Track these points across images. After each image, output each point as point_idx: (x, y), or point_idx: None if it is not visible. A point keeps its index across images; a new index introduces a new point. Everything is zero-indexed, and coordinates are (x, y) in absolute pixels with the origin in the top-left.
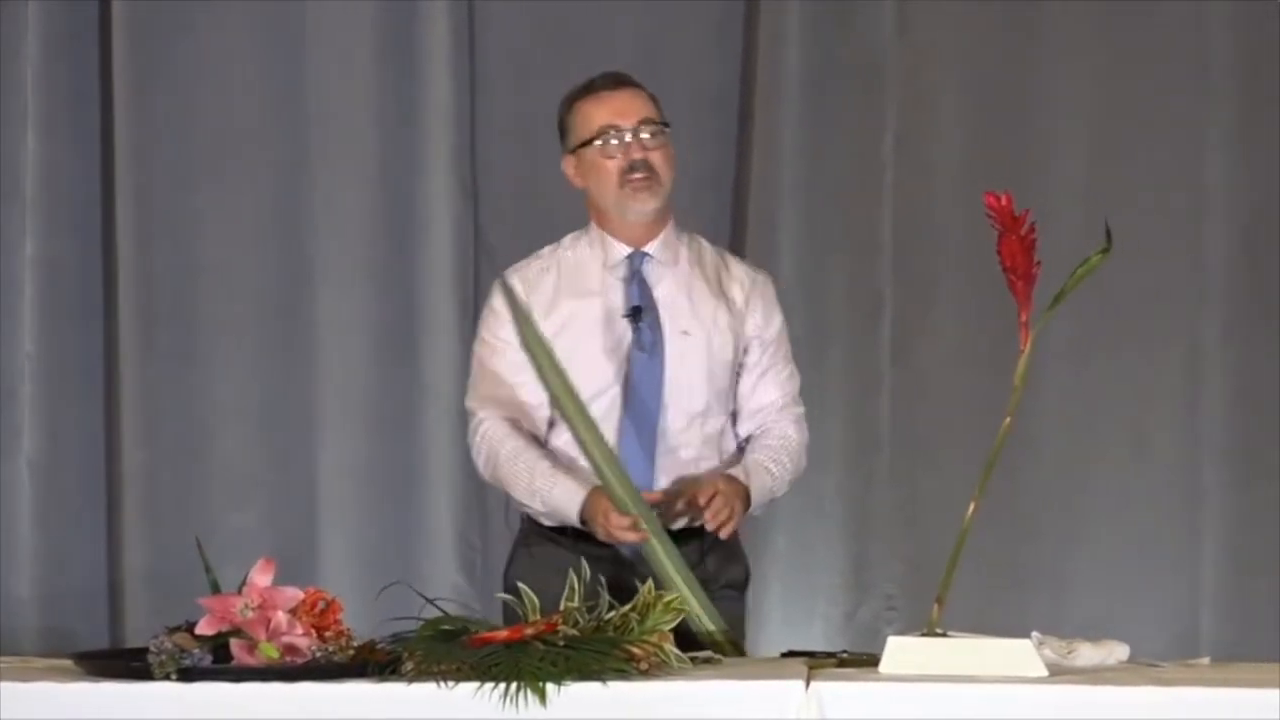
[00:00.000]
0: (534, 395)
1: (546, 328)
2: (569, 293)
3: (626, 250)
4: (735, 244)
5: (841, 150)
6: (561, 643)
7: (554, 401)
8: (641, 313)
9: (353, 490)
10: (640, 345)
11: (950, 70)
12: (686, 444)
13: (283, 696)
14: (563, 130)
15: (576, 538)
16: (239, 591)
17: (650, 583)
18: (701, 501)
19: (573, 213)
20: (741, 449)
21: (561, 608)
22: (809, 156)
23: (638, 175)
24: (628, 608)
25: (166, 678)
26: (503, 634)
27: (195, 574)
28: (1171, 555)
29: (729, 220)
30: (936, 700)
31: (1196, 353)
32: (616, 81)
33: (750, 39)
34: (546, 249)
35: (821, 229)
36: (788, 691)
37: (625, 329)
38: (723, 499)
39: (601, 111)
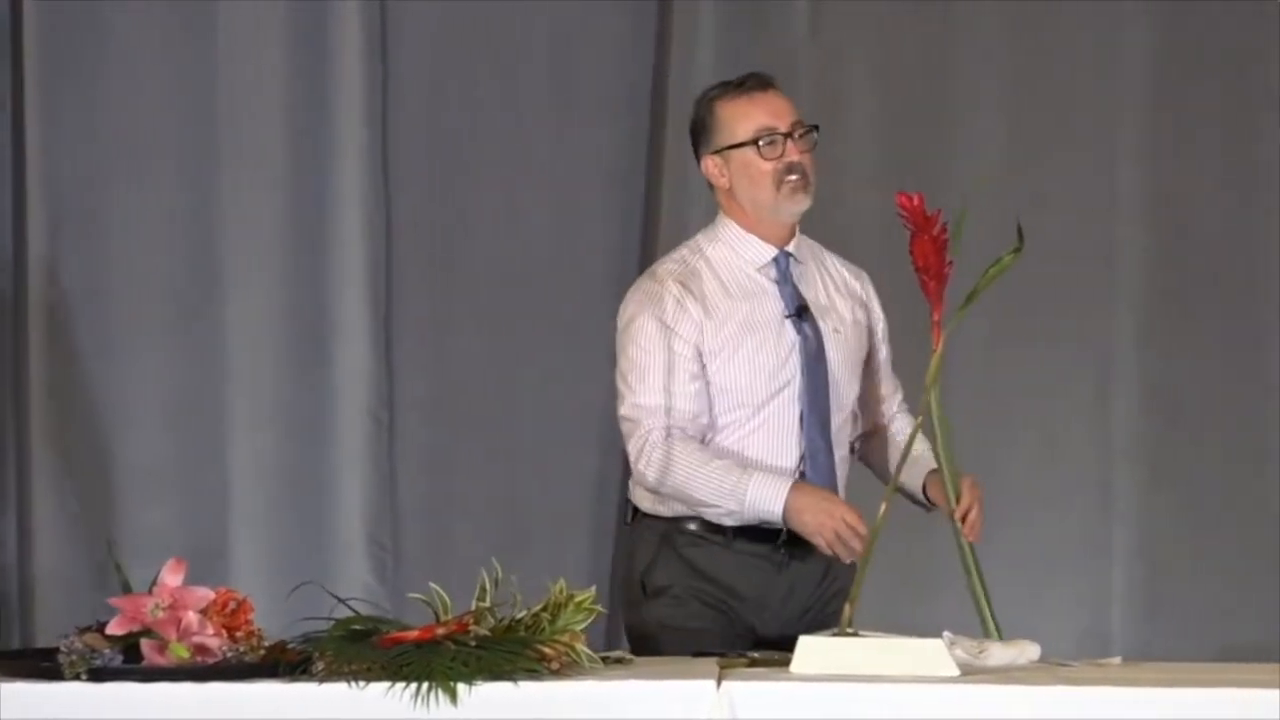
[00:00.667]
0: (695, 403)
1: (713, 335)
2: (729, 294)
3: (773, 251)
4: (647, 243)
5: None
6: (473, 643)
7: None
8: (805, 312)
9: (264, 491)
10: (807, 345)
11: (863, 70)
12: (845, 440)
13: (193, 696)
14: (703, 129)
15: (735, 535)
16: (150, 592)
17: (562, 583)
18: (960, 516)
19: (486, 212)
20: (864, 437)
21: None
22: None
23: (794, 177)
24: (538, 607)
25: (77, 678)
26: (413, 634)
27: (106, 574)
28: (1083, 555)
29: (640, 220)
30: (848, 700)
31: (1108, 353)
32: (764, 83)
33: (663, 39)
34: (684, 249)
35: None
36: (699, 691)
37: (789, 330)
38: (978, 509)
39: (758, 113)
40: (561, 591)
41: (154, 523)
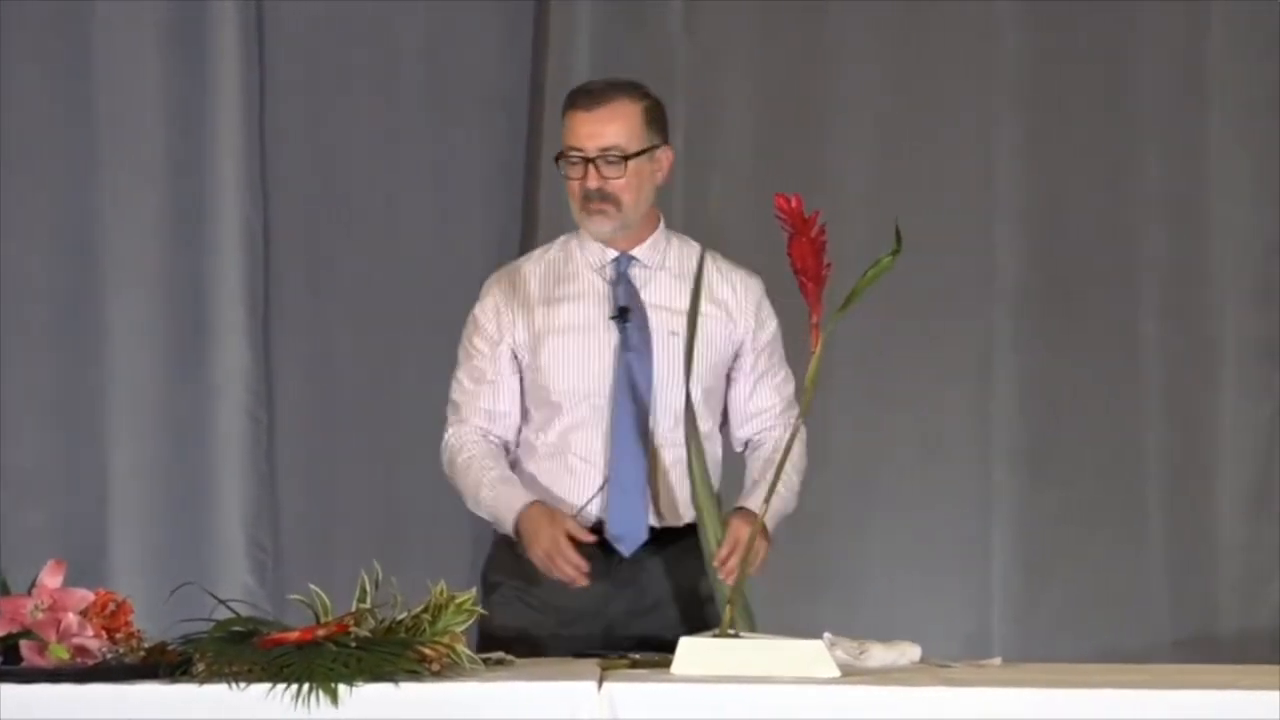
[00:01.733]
0: (504, 403)
1: (533, 330)
2: (556, 293)
3: (613, 253)
4: (525, 245)
5: None
6: (353, 644)
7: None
8: (628, 313)
9: (143, 492)
10: (628, 346)
11: (738, 70)
12: (675, 443)
13: (73, 698)
14: None
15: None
16: (29, 593)
17: (442, 585)
18: (718, 562)
19: (364, 213)
20: (740, 453)
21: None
22: None
23: (593, 202)
24: (419, 608)
25: None
26: (294, 635)
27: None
28: (962, 556)
29: (519, 220)
30: (728, 700)
31: (987, 355)
32: (595, 98)
33: (540, 38)
34: (539, 249)
35: None
36: (580, 692)
37: (613, 331)
38: (737, 555)
39: (570, 131)
40: (442, 593)
41: (32, 524)
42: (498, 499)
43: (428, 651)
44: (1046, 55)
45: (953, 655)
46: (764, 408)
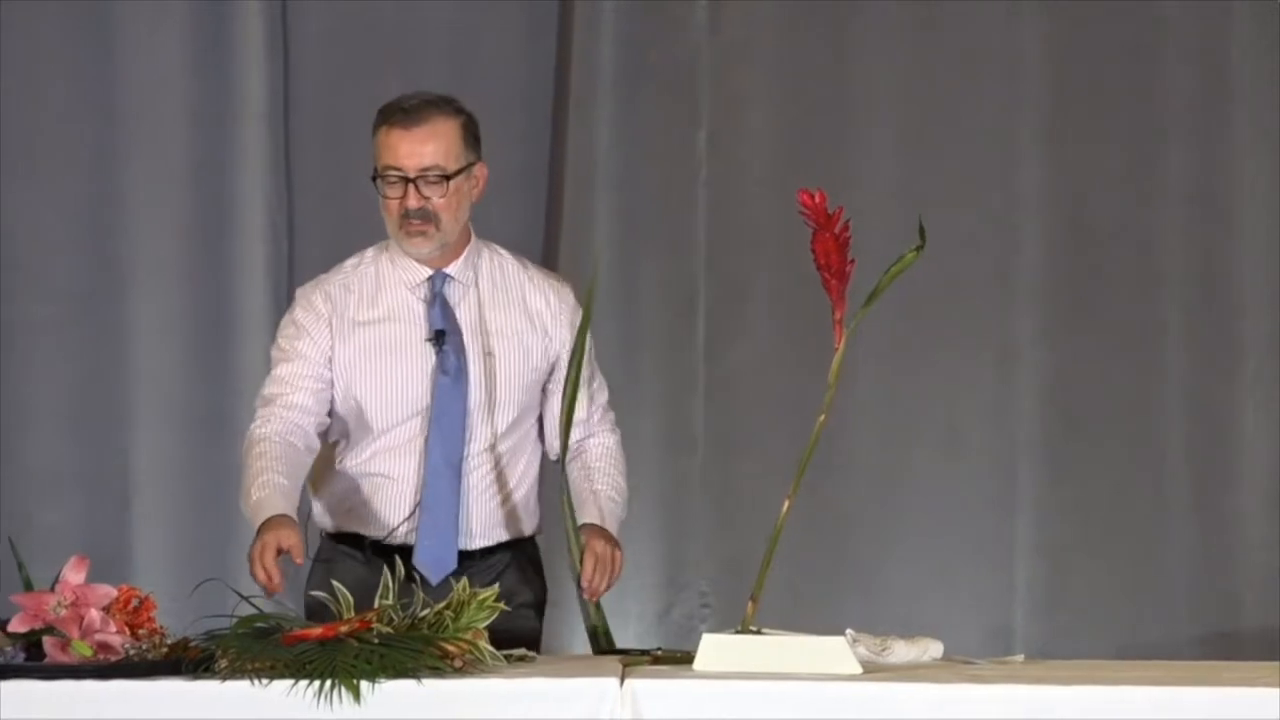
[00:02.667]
0: (314, 402)
1: (348, 349)
2: (372, 314)
3: (427, 272)
4: (549, 244)
5: (654, 150)
6: (376, 640)
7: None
8: (444, 336)
9: (166, 488)
10: (444, 369)
11: (763, 69)
12: (489, 463)
13: (96, 694)
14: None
15: (375, 552)
16: (52, 589)
17: (465, 581)
18: (584, 581)
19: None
20: (557, 461)
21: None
22: (622, 156)
23: (413, 221)
24: (442, 605)
25: None
26: (317, 631)
27: (8, 571)
28: (985, 553)
29: (543, 220)
30: (751, 697)
31: (1010, 351)
32: (414, 117)
33: (563, 38)
34: (350, 262)
35: (635, 229)
36: (602, 689)
37: (428, 353)
38: (601, 570)
39: (388, 150)
40: (464, 590)
41: (56, 520)
42: (260, 502)
43: (450, 648)
44: (1070, 51)
45: (975, 651)
46: (581, 418)
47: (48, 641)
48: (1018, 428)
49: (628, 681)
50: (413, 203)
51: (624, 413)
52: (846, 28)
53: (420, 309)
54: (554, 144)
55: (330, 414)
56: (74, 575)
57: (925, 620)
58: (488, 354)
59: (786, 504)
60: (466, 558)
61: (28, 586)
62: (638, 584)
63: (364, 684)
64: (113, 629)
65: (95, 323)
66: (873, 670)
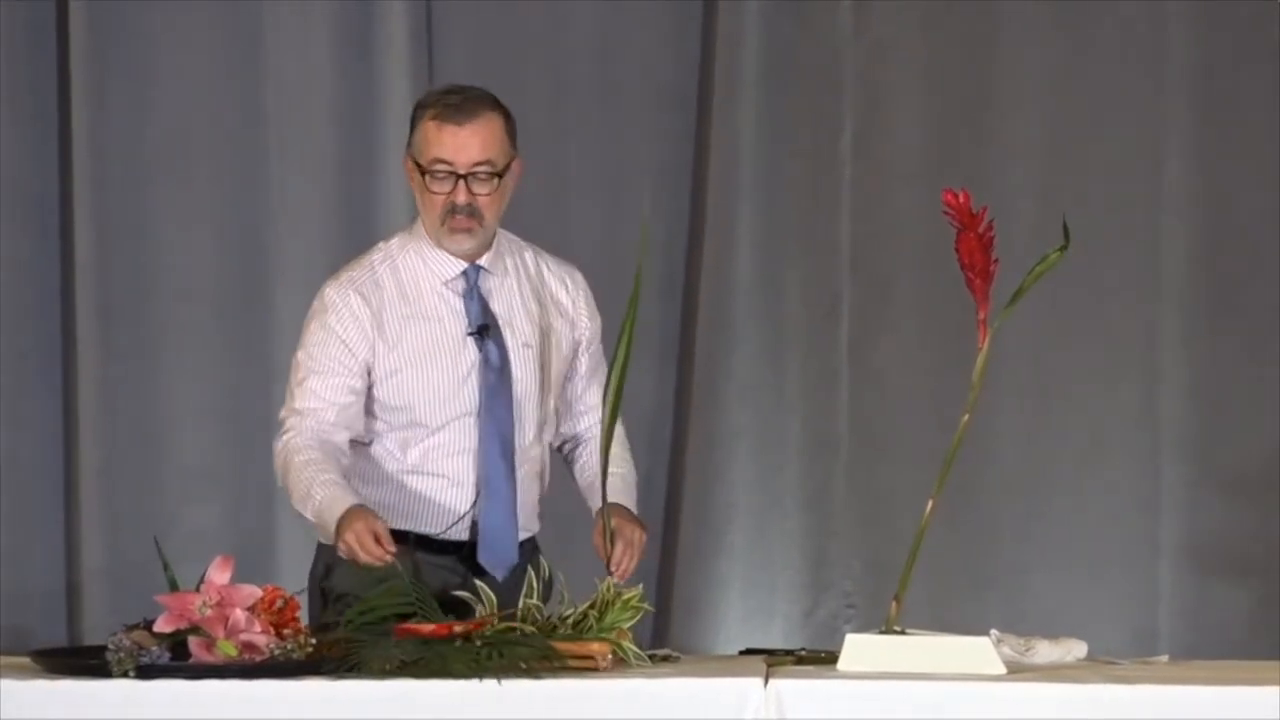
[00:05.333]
0: (348, 416)
1: (392, 352)
2: (408, 311)
3: (462, 265)
4: (693, 244)
5: (799, 150)
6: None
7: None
8: (488, 330)
9: None
10: (490, 364)
11: (907, 69)
12: (536, 455)
13: (241, 694)
14: (411, 128)
15: (422, 547)
16: (197, 589)
17: (609, 581)
18: (613, 564)
19: (531, 209)
20: (571, 442)
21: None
22: (766, 156)
23: (457, 217)
24: (586, 605)
25: (125, 675)
26: (428, 628)
27: (153, 572)
28: (1130, 553)
29: (687, 220)
30: (895, 698)
31: (1155, 350)
32: (465, 112)
33: (707, 38)
34: (375, 256)
35: (779, 228)
36: (747, 689)
37: (471, 348)
38: (630, 553)
39: (439, 144)
40: (609, 589)
41: (201, 520)
42: (328, 500)
43: (595, 647)
44: (1215, 51)
45: (1119, 652)
46: (594, 404)
47: (193, 641)
48: (1162, 428)
49: (772, 682)
50: (461, 198)
51: (767, 412)
52: (990, 27)
53: (458, 304)
54: (698, 144)
55: (368, 415)
56: (219, 575)
57: (1069, 620)
58: (526, 345)
59: (931, 504)
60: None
61: (173, 586)
62: (783, 583)
63: (509, 682)
64: (258, 629)
65: (241, 324)
66: (1017, 671)
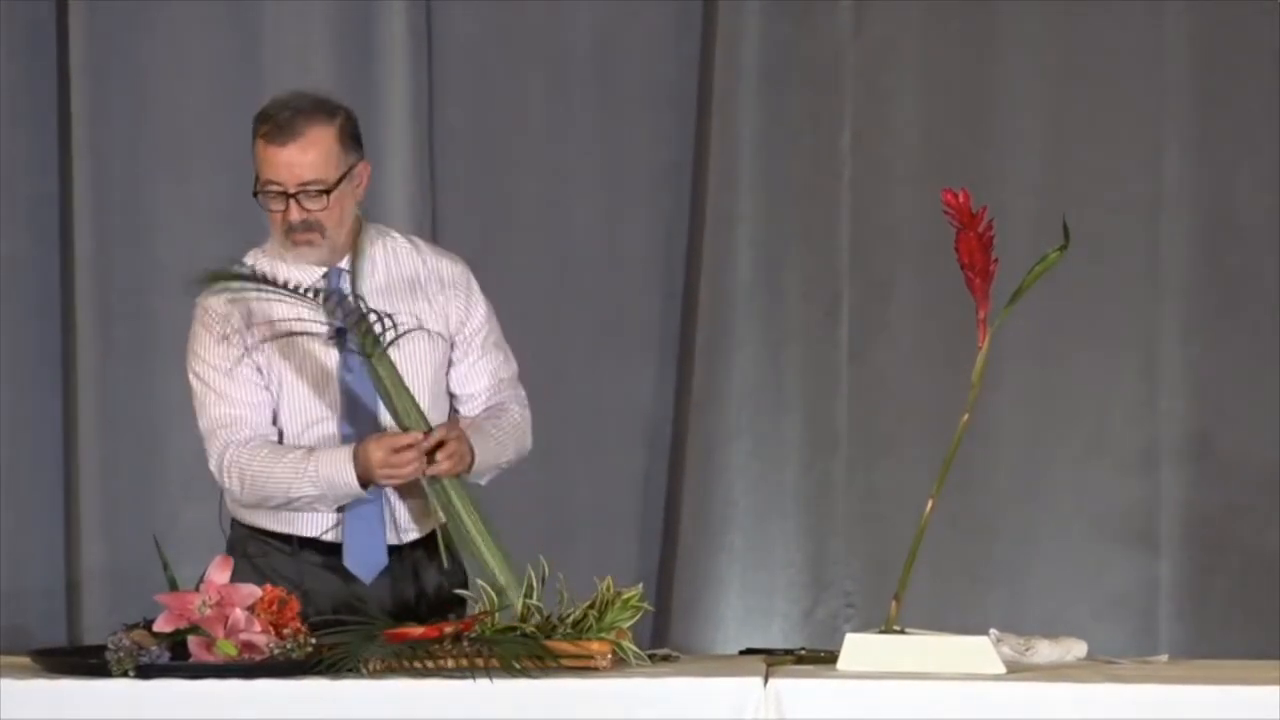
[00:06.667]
0: (263, 411)
1: (260, 350)
2: (272, 315)
3: (321, 270)
4: (693, 241)
5: (799, 148)
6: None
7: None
8: (345, 334)
9: None
10: (348, 367)
11: (907, 68)
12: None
13: (241, 694)
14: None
15: (301, 546)
16: (197, 589)
17: (609, 581)
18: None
19: (531, 210)
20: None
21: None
22: (766, 154)
23: (298, 234)
24: (586, 605)
25: (124, 675)
26: (418, 631)
27: (153, 571)
28: (1130, 552)
29: (686, 218)
30: (894, 697)
31: (1155, 349)
32: (289, 131)
33: (708, 36)
34: (244, 262)
35: (779, 227)
36: (746, 689)
37: (333, 351)
38: (454, 446)
39: (267, 165)
40: (609, 589)
41: (201, 519)
42: (325, 465)
43: (595, 646)
44: (1216, 49)
45: (1119, 652)
46: (480, 389)
47: (192, 641)
48: (1163, 425)
49: (771, 681)
50: (295, 216)
51: (767, 412)
52: (990, 27)
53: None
54: (698, 143)
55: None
56: (219, 575)
57: (1069, 620)
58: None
59: (930, 503)
60: (395, 552)
61: (173, 586)
62: (783, 582)
63: (508, 682)
64: (257, 628)
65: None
66: (1016, 670)
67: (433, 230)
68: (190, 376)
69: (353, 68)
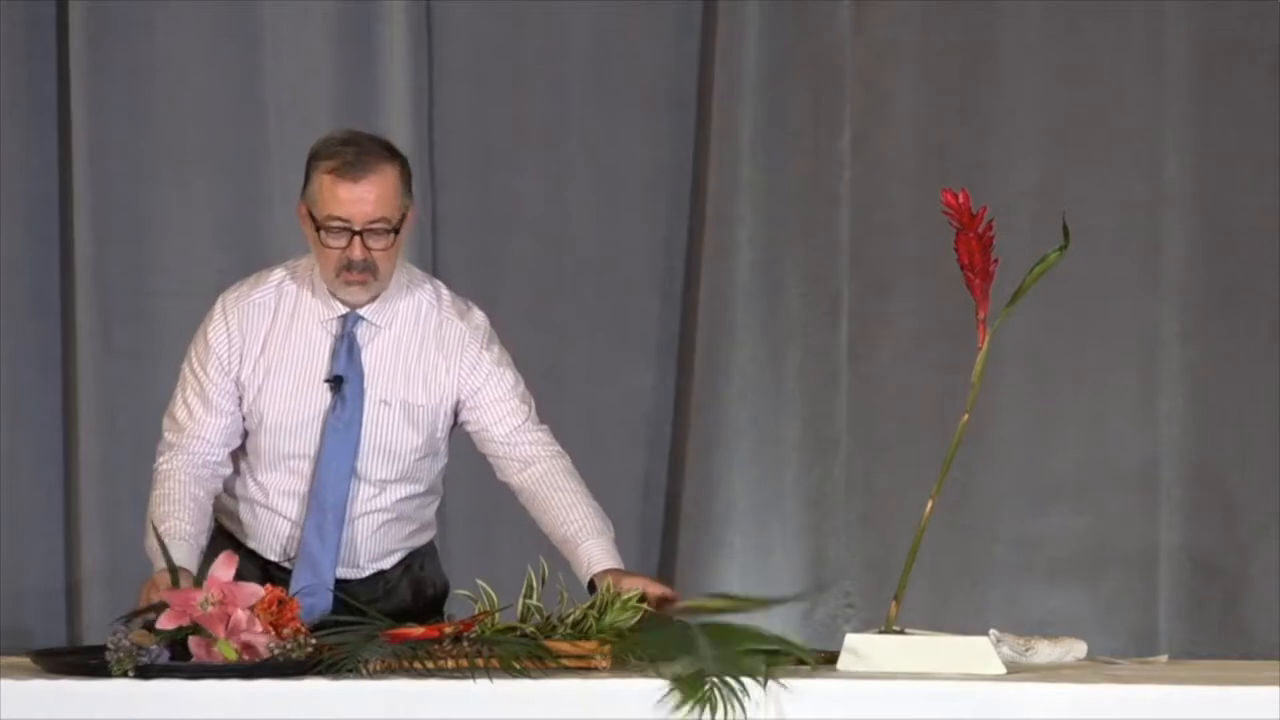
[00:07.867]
0: (226, 434)
1: (256, 378)
2: (282, 340)
3: (341, 310)
4: (693, 243)
5: (799, 149)
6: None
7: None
8: (342, 382)
9: None
10: (337, 414)
11: (907, 69)
12: (377, 509)
13: (241, 694)
14: (306, 173)
15: (267, 565)
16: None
17: (609, 582)
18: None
19: (531, 210)
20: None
21: None
22: (766, 156)
23: (351, 273)
24: (586, 605)
25: (124, 675)
26: (417, 631)
27: (153, 572)
28: (1130, 553)
29: (686, 219)
30: (894, 698)
31: (1154, 349)
32: (361, 168)
33: (708, 38)
34: (278, 273)
35: (779, 228)
36: (746, 689)
37: (325, 395)
38: (661, 590)
39: (335, 200)
40: (609, 589)
41: None
42: (155, 553)
43: (564, 647)
44: (1215, 51)
45: (1119, 652)
46: (509, 430)
47: (193, 641)
48: (1162, 425)
49: (771, 682)
50: (358, 254)
51: (767, 412)
52: (990, 27)
53: (327, 348)
54: (698, 144)
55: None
56: (223, 572)
57: (1069, 620)
58: (384, 403)
59: (930, 504)
60: (360, 582)
61: (176, 584)
62: (782, 583)
63: (508, 682)
64: (258, 629)
65: None
66: (1016, 670)
67: (433, 230)
68: (183, 364)
69: (353, 68)
